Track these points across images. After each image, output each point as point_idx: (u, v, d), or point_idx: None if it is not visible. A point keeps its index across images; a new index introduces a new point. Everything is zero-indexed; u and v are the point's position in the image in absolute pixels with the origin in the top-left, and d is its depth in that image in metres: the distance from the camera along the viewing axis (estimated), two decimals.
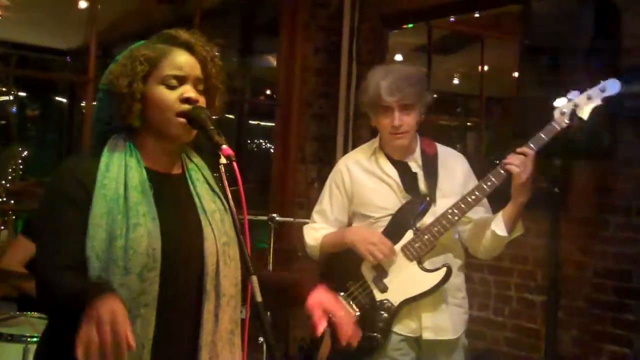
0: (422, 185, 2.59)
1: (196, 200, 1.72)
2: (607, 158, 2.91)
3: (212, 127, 1.64)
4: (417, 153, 2.63)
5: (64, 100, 9.26)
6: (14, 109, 9.71)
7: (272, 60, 6.60)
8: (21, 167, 8.83)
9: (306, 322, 4.70)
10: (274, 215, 3.31)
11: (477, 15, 4.70)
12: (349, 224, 2.72)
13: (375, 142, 2.68)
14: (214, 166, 1.62)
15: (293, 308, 1.93)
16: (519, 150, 2.41)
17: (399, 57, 5.67)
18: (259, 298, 1.50)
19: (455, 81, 7.34)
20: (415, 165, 2.62)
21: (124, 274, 1.53)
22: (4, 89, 9.24)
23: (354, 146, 4.79)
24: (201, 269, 1.65)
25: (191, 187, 1.74)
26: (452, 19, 5.01)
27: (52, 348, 1.63)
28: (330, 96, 4.85)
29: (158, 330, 1.57)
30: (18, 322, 2.98)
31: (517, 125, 3.11)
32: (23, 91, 9.54)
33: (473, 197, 2.46)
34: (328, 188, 2.75)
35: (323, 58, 4.85)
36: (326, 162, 4.81)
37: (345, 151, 4.80)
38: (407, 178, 2.59)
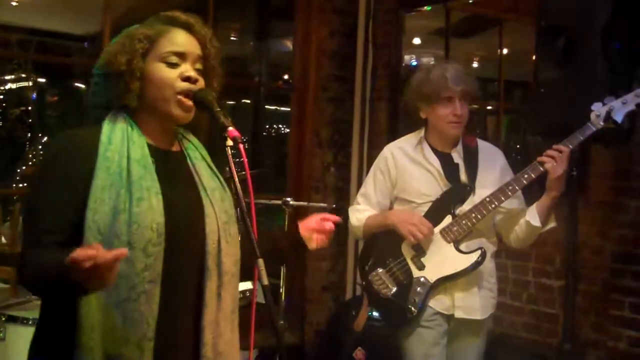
0: (462, 175, 2.78)
1: (196, 177, 1.72)
2: (625, 142, 2.89)
3: (218, 109, 1.63)
4: (460, 146, 2.83)
5: (83, 85, 9.32)
6: (34, 95, 9.79)
7: (289, 44, 6.58)
8: (41, 152, 8.92)
9: (322, 307, 4.72)
10: (288, 199, 3.30)
11: None
12: (391, 208, 2.90)
13: (420, 133, 2.86)
14: (219, 148, 1.61)
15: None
16: (555, 147, 2.58)
17: (416, 41, 5.61)
18: (265, 281, 1.49)
19: (474, 65, 7.26)
20: (457, 156, 2.80)
21: (128, 248, 1.51)
22: (23, 75, 9.31)
23: (370, 130, 4.79)
24: (203, 247, 1.65)
25: (190, 164, 1.74)
26: (470, 1, 4.94)
27: (48, 332, 1.63)
28: (346, 80, 4.82)
29: (162, 308, 1.56)
30: (35, 306, 3.01)
31: (536, 108, 3.07)
32: (42, 77, 9.60)
33: (510, 187, 2.64)
34: (372, 173, 2.94)
35: (339, 41, 4.82)
36: (342, 146, 4.79)
37: (362, 135, 4.79)
38: (449, 168, 2.78)
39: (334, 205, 3.94)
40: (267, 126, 7.59)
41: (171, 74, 1.64)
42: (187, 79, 1.64)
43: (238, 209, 1.62)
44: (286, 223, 3.29)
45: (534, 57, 4.21)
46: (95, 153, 1.58)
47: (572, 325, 2.92)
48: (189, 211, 1.66)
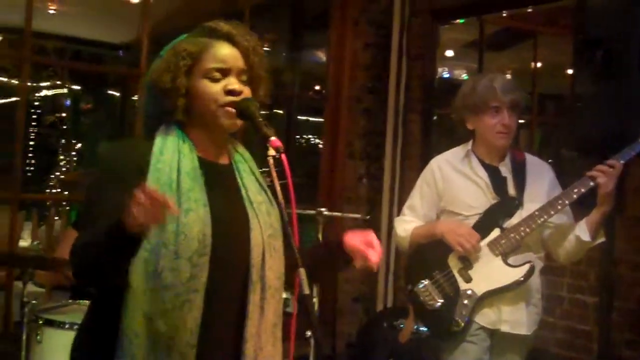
0: (510, 188, 2.76)
1: (243, 191, 1.74)
2: None
3: (260, 119, 1.65)
4: (507, 159, 2.79)
5: (117, 93, 9.44)
6: (68, 102, 9.93)
7: (322, 55, 6.60)
8: (74, 159, 9.05)
9: (353, 318, 4.72)
10: (322, 209, 3.31)
11: (530, 10, 4.63)
12: (437, 220, 2.88)
13: (467, 146, 2.85)
14: (262, 159, 1.63)
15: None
16: (608, 162, 2.55)
17: (449, 53, 5.61)
18: (307, 290, 1.51)
19: (509, 78, 7.22)
20: (505, 169, 2.78)
21: (174, 257, 1.54)
22: (58, 82, 9.46)
23: (403, 142, 4.79)
24: (247, 260, 1.67)
25: (238, 177, 1.76)
26: (504, 14, 4.93)
27: (90, 336, 1.66)
28: (379, 92, 4.83)
29: (205, 318, 1.58)
30: (71, 310, 3.05)
31: (572, 122, 3.06)
32: (77, 85, 9.74)
33: (560, 202, 2.62)
34: (419, 185, 2.92)
35: (372, 53, 4.84)
36: (375, 158, 4.80)
37: (394, 147, 4.79)
38: (497, 181, 2.76)
39: (368, 217, 3.93)
40: (298, 136, 7.64)
41: (215, 88, 1.67)
42: (230, 92, 1.67)
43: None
44: (320, 234, 3.30)
45: (569, 71, 4.18)
46: (147, 164, 1.61)
47: (607, 342, 2.89)
48: (235, 223, 1.68)
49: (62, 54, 8.64)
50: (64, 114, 9.98)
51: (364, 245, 1.77)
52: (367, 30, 4.81)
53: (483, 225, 2.72)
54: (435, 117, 4.78)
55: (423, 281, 2.76)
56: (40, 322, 2.87)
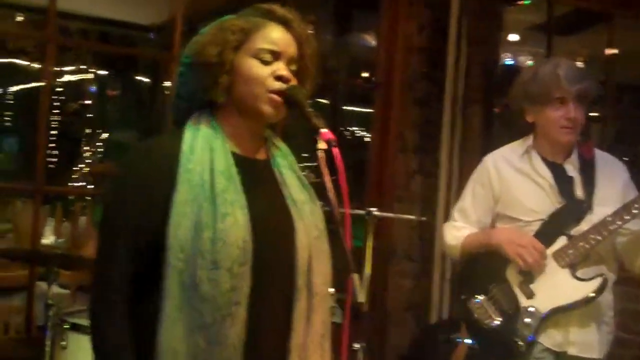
0: (578, 190, 2.65)
1: (284, 189, 1.73)
2: None
3: (310, 109, 1.65)
4: (574, 156, 2.70)
5: (146, 79, 9.53)
6: (93, 89, 10.08)
7: (370, 39, 6.58)
8: (100, 150, 9.20)
9: (405, 329, 4.69)
10: (372, 209, 3.30)
11: None
12: (492, 226, 2.79)
13: (527, 140, 2.74)
14: (303, 153, 1.63)
15: None
16: None
17: (513, 37, 5.56)
18: (361, 299, 1.50)
19: (578, 65, 7.13)
20: (571, 168, 2.68)
21: (213, 268, 1.53)
22: (83, 67, 9.60)
23: (461, 135, 4.75)
24: (292, 265, 1.66)
25: (278, 174, 1.75)
26: None
27: None
28: (435, 79, 4.79)
29: (248, 331, 1.58)
30: None
31: None
32: (103, 69, 9.87)
33: (636, 205, 2.50)
34: (471, 186, 2.84)
35: (428, 36, 4.79)
36: (429, 152, 4.76)
37: (451, 140, 4.75)
38: (563, 181, 2.66)
39: (423, 218, 3.90)
40: (344, 128, 7.64)
41: (263, 71, 1.66)
42: (279, 78, 1.66)
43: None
44: (370, 236, 3.28)
45: None
46: (176, 164, 1.61)
47: None
48: (277, 226, 1.67)
49: (86, 36, 8.75)
50: (88, 101, 10.14)
51: None
52: (422, 10, 4.77)
53: (546, 233, 2.62)
54: (499, 108, 4.73)
55: (478, 296, 2.69)
56: (66, 326, 2.92)
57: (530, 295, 2.62)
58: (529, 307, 2.60)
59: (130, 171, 1.65)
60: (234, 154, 1.67)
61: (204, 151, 1.63)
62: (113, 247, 1.60)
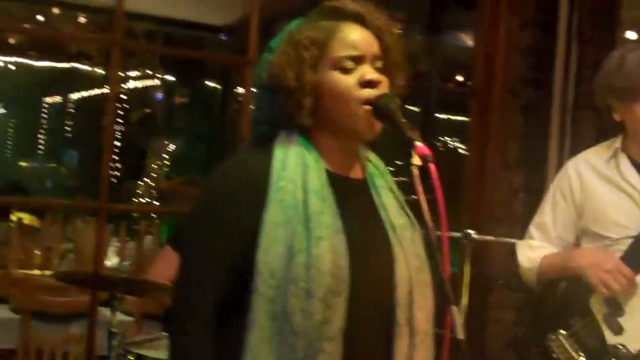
0: None
1: (382, 212, 1.74)
2: None
3: (403, 120, 1.65)
4: None
5: (217, 85, 9.67)
6: (159, 96, 10.30)
7: (466, 39, 6.54)
8: (167, 163, 9.37)
9: None
10: (470, 231, 3.27)
11: None
12: (576, 244, 2.71)
13: (616, 142, 2.65)
14: (400, 168, 1.63)
15: None
16: None
17: (631, 35, 5.43)
18: (460, 335, 1.49)
19: None
20: None
21: (306, 297, 1.54)
22: (148, 72, 9.82)
23: (572, 147, 4.66)
24: (391, 298, 1.66)
25: (374, 195, 1.76)
26: None
27: None
28: (542, 83, 4.73)
29: None
30: (165, 345, 3.15)
31: None
32: (170, 75, 10.07)
33: None
34: (551, 197, 2.76)
35: (534, 35, 4.74)
36: (535, 167, 4.70)
37: (560, 152, 4.67)
38: None
39: None
40: (434, 138, 7.60)
41: (348, 80, 1.66)
42: (367, 83, 1.66)
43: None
44: (467, 262, 3.26)
45: None
46: (266, 181, 1.63)
47: None
48: (375, 254, 1.68)
49: (152, 38, 8.96)
50: (154, 110, 10.36)
51: None
52: (527, 5, 4.72)
53: (637, 254, 2.52)
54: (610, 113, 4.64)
55: (557, 331, 2.59)
56: (131, 357, 2.97)
57: (618, 330, 2.52)
58: (617, 344, 2.51)
59: (215, 192, 1.68)
60: (327, 172, 1.68)
61: (297, 168, 1.65)
62: (198, 274, 1.63)
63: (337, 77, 1.67)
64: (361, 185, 1.76)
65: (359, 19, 1.71)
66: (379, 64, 1.70)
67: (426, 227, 1.59)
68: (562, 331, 2.59)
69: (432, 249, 1.58)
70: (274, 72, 1.69)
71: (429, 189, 1.59)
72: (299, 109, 1.67)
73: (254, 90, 1.81)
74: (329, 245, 1.58)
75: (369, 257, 1.66)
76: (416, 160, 1.59)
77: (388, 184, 1.79)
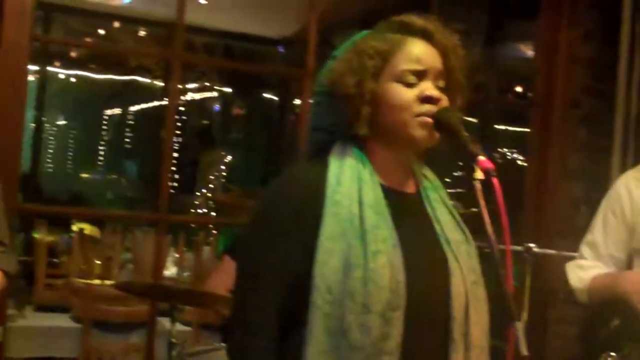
0: None
1: (437, 227, 1.73)
2: None
3: (466, 134, 1.65)
4: None
5: (274, 97, 9.73)
6: (217, 107, 10.41)
7: (524, 50, 6.49)
8: (224, 174, 9.46)
9: None
10: (532, 245, 3.23)
11: None
12: (629, 266, 2.63)
13: None
14: (457, 180, 1.62)
15: None
16: None
17: None
18: (525, 351, 1.48)
19: None
20: None
21: (364, 312, 1.54)
22: (206, 84, 9.93)
23: (635, 158, 4.57)
24: (447, 313, 1.65)
25: (429, 210, 1.75)
26: None
27: None
28: (604, 94, 4.66)
29: None
30: (224, 356, 3.17)
31: None
32: (228, 87, 10.17)
33: None
34: (602, 214, 2.71)
35: (596, 46, 4.68)
36: (597, 179, 4.62)
37: (624, 165, 4.59)
38: None
39: None
40: (495, 150, 7.53)
41: (409, 95, 1.66)
42: (427, 99, 1.66)
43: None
44: (528, 277, 3.22)
45: None
46: (323, 196, 1.63)
47: None
48: (431, 268, 1.67)
49: (211, 51, 9.07)
50: (211, 121, 10.47)
51: None
52: (589, 15, 4.66)
53: None
54: None
55: (607, 353, 2.51)
56: None
57: None
58: None
59: (274, 204, 1.68)
60: (382, 186, 1.68)
61: (352, 181, 1.65)
62: (259, 291, 1.63)
63: (398, 89, 1.67)
64: (415, 199, 1.76)
65: (426, 36, 1.70)
66: (441, 82, 1.70)
67: (489, 240, 1.58)
68: (613, 353, 2.52)
69: (495, 263, 1.56)
70: (335, 79, 1.69)
71: (489, 202, 1.58)
72: (357, 117, 1.67)
73: (313, 98, 1.80)
74: (386, 260, 1.58)
75: (425, 271, 1.65)
76: (479, 174, 1.59)
77: (442, 198, 1.79)
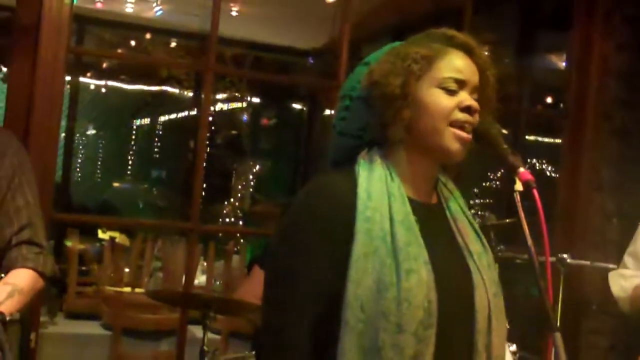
0: None
1: (459, 239, 1.72)
2: None
3: (505, 146, 1.65)
4: None
5: (303, 107, 9.76)
6: (245, 118, 10.45)
7: (556, 61, 6.45)
8: (252, 183, 9.49)
9: None
10: (565, 256, 3.22)
11: None
12: None
13: None
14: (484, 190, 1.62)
15: None
16: None
17: None
18: None
19: None
20: None
21: (397, 332, 1.52)
22: (236, 95, 9.98)
23: None
24: (472, 325, 1.64)
25: (451, 221, 1.74)
26: None
27: None
28: (637, 106, 4.63)
29: None
30: None
31: None
32: (256, 97, 10.21)
33: None
34: None
35: (629, 58, 4.64)
36: (630, 191, 4.59)
37: None
38: None
39: None
40: (526, 161, 7.51)
41: (449, 102, 1.66)
42: (466, 109, 1.66)
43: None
44: (560, 287, 3.21)
45: None
46: (354, 209, 1.60)
47: None
48: (458, 282, 1.66)
49: (240, 62, 9.11)
50: (240, 131, 10.50)
51: None
52: (622, 27, 4.63)
53: None
54: None
55: None
56: None
57: None
58: None
59: (304, 220, 1.65)
60: (409, 200, 1.66)
61: (382, 196, 1.62)
62: (293, 307, 1.61)
63: (439, 95, 1.66)
64: (438, 210, 1.75)
65: (467, 49, 1.71)
66: (475, 95, 1.70)
67: (530, 252, 1.58)
68: None
69: (535, 275, 1.56)
70: (377, 79, 1.67)
71: (512, 210, 1.59)
72: (397, 120, 1.66)
73: (339, 102, 1.78)
74: (419, 278, 1.56)
75: (454, 286, 1.64)
76: (519, 186, 1.59)
77: (462, 209, 1.78)
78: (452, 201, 1.77)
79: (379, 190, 1.63)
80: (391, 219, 1.60)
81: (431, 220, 1.69)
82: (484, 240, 1.76)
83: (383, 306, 1.53)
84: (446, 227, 1.73)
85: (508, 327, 1.77)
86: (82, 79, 9.46)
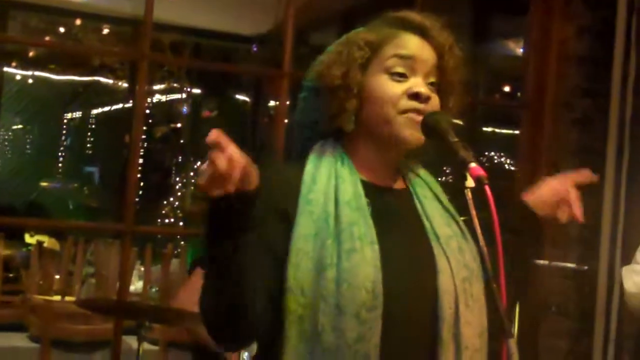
0: None
1: (425, 222, 1.74)
2: None
3: (456, 139, 1.64)
4: None
5: (247, 98, 9.71)
6: (185, 110, 10.36)
7: (514, 47, 6.52)
8: (193, 181, 9.40)
9: None
10: None
11: None
12: None
13: None
14: (454, 188, 1.63)
15: None
16: None
17: None
18: None
19: None
20: None
21: (337, 313, 1.55)
22: (175, 85, 9.89)
23: (630, 163, 4.59)
24: (435, 312, 1.65)
25: (418, 205, 1.76)
26: None
27: None
28: (598, 95, 4.68)
29: None
30: None
31: None
32: (197, 87, 10.12)
33: None
34: None
35: (589, 42, 4.69)
36: (590, 185, 4.64)
37: (618, 170, 4.61)
38: None
39: (585, 267, 3.81)
40: (482, 153, 7.55)
41: (395, 88, 1.67)
42: (415, 95, 1.67)
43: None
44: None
45: None
46: (297, 196, 1.64)
47: None
48: (415, 265, 1.67)
49: (179, 49, 9.03)
50: (179, 125, 10.41)
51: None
52: (582, 11, 4.67)
53: None
54: None
55: None
56: None
57: None
58: None
59: None
60: (363, 182, 1.69)
61: (329, 179, 1.66)
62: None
63: (385, 81, 1.68)
64: (403, 195, 1.77)
65: (422, 32, 1.72)
66: (432, 79, 1.71)
67: (481, 252, 1.60)
68: None
69: (487, 276, 1.59)
70: (321, 71, 1.71)
71: (480, 209, 1.59)
72: (342, 111, 1.69)
73: (300, 93, 1.80)
74: (361, 258, 1.58)
75: (407, 268, 1.65)
76: (470, 182, 1.59)
77: (435, 195, 1.80)
78: (421, 186, 1.79)
79: (326, 173, 1.67)
80: (336, 200, 1.63)
81: (391, 203, 1.72)
82: (461, 224, 1.77)
83: (322, 288, 1.56)
84: (411, 211, 1.75)
85: None
86: (6, 69, 9.29)
